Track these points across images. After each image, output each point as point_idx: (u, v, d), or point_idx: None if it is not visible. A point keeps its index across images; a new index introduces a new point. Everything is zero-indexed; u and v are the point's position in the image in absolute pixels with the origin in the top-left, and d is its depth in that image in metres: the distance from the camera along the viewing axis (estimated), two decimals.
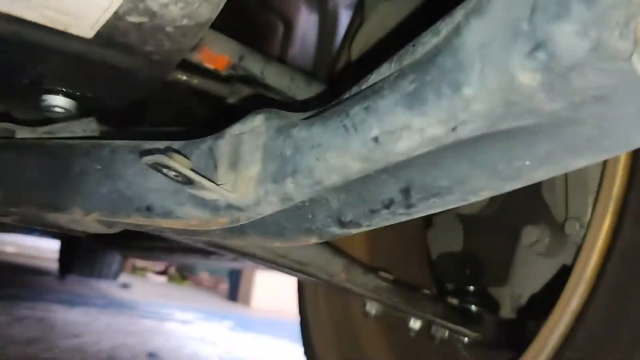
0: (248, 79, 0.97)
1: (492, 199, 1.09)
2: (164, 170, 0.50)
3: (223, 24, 0.91)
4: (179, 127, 1.05)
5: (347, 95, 0.47)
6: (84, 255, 4.11)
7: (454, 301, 1.05)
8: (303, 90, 0.96)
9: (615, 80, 0.32)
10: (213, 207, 0.55)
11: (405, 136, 0.40)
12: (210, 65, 0.91)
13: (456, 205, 0.49)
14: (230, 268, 6.78)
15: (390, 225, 1.31)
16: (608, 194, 0.71)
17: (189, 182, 0.50)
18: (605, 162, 0.74)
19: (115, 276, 4.34)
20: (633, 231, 0.68)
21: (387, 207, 0.50)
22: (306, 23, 1.52)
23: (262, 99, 1.03)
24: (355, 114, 0.42)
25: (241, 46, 0.92)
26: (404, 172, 0.47)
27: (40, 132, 0.82)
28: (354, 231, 0.55)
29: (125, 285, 4.46)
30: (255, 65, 0.93)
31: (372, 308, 1.02)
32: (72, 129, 0.80)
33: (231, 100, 1.12)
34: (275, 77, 0.95)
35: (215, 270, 7.63)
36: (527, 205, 1.03)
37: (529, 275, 1.04)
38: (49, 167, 0.71)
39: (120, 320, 2.89)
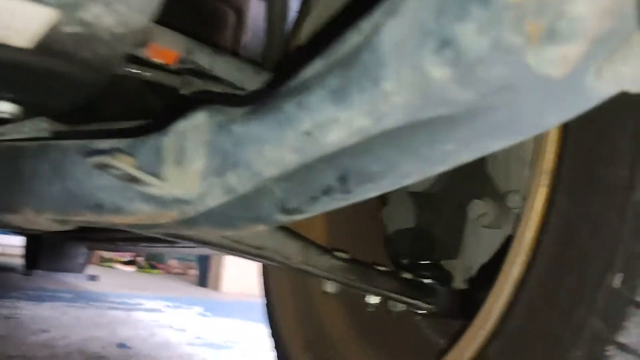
0: (198, 72, 0.99)
1: (440, 176, 1.13)
2: (110, 170, 0.52)
3: (174, 16, 0.93)
4: (132, 121, 1.06)
5: (282, 89, 0.49)
6: (49, 249, 4.08)
7: (409, 276, 1.09)
8: (252, 80, 0.98)
9: (515, 72, 0.35)
10: (161, 202, 0.57)
11: (334, 129, 0.43)
12: (158, 60, 0.92)
13: (390, 189, 0.52)
14: (198, 254, 6.79)
15: (348, 205, 1.33)
16: (540, 168, 0.75)
17: (134, 180, 0.52)
18: (535, 137, 0.78)
19: (82, 269, 4.31)
20: (565, 203, 0.72)
21: (326, 193, 0.53)
22: (257, 11, 1.53)
23: (212, 92, 1.05)
24: (288, 109, 0.45)
25: (189, 40, 0.93)
26: (338, 160, 0.49)
27: None
28: (297, 217, 0.57)
29: (93, 278, 4.44)
30: (203, 58, 0.95)
31: (330, 287, 1.05)
32: (22, 129, 0.81)
33: (183, 91, 1.14)
34: (223, 68, 0.97)
35: (183, 257, 7.64)
36: (472, 180, 1.07)
37: (477, 247, 1.08)
38: None
39: (89, 313, 2.89)
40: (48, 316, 2.67)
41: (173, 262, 7.48)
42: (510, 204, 0.94)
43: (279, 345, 1.30)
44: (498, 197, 1.02)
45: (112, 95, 1.34)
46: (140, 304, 3.56)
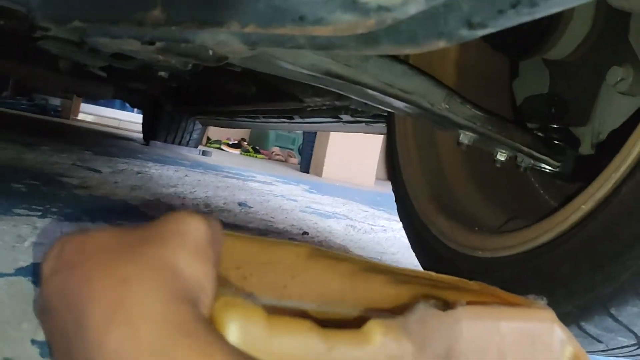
0: None
1: (579, 45, 1.17)
2: None
3: None
4: None
5: None
6: (167, 123, 4.35)
7: (541, 134, 1.16)
8: None
9: None
10: (363, 10, 0.66)
11: None
12: None
13: (575, 4, 0.59)
14: (300, 144, 7.00)
15: (478, 73, 1.40)
16: None
17: None
18: None
19: (196, 144, 4.58)
20: None
21: (513, 6, 0.60)
22: None
23: None
24: None
25: None
26: None
27: None
28: (480, 32, 0.65)
29: (205, 153, 4.72)
30: None
31: (465, 139, 1.13)
32: None
33: None
34: None
35: (286, 145, 7.94)
36: (613, 49, 1.11)
37: (610, 113, 1.13)
38: None
39: (209, 178, 3.13)
40: (173, 176, 2.92)
41: (276, 149, 7.79)
42: None
43: (404, 197, 1.42)
44: (638, 64, 1.06)
45: None
46: (254, 176, 3.80)
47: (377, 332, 0.35)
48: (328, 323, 0.45)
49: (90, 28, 1.04)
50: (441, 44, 0.70)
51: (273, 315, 0.32)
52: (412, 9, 0.63)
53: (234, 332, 0.32)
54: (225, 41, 0.86)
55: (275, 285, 0.44)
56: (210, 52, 0.98)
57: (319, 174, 5.84)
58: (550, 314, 0.41)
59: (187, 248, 0.34)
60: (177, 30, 0.89)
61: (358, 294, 0.47)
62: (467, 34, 0.67)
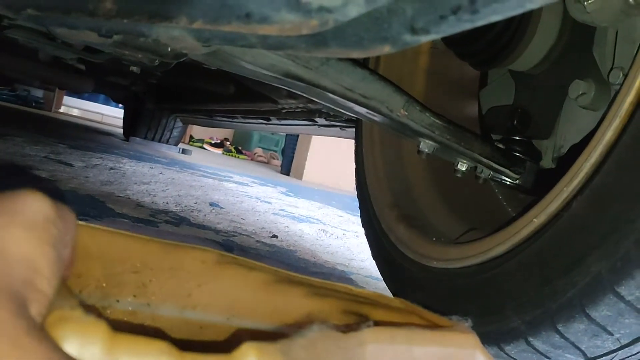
0: None
1: (544, 57, 1.16)
2: None
3: None
4: None
5: None
6: (147, 119, 4.32)
7: (501, 146, 1.15)
8: None
9: None
10: (306, 11, 0.65)
11: None
12: None
13: (514, 13, 0.58)
14: (283, 146, 6.98)
15: (449, 81, 1.39)
16: None
17: None
18: None
19: (176, 142, 4.55)
20: None
21: (454, 13, 0.59)
22: None
23: None
24: None
25: None
26: None
27: None
28: (423, 38, 0.64)
29: (185, 152, 4.69)
30: None
31: (425, 147, 1.12)
32: None
33: None
34: None
35: (269, 147, 7.93)
36: (577, 62, 1.11)
37: (572, 127, 1.12)
38: None
39: (184, 177, 3.10)
40: (147, 173, 2.89)
41: (258, 150, 7.77)
42: (612, 80, 0.97)
43: (366, 203, 1.40)
44: (600, 78, 1.05)
45: None
46: (231, 177, 3.78)
47: (250, 358, 0.31)
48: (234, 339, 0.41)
49: (45, 17, 1.02)
50: (386, 48, 0.69)
51: (120, 334, 0.28)
52: (353, 11, 0.61)
53: (68, 351, 0.27)
54: (178, 37, 0.85)
55: (178, 294, 0.41)
56: (169, 48, 0.96)
57: (299, 176, 5.82)
58: (472, 338, 0.37)
59: (19, 224, 0.29)
60: (130, 23, 0.87)
61: (272, 307, 0.43)
62: (410, 39, 0.65)
